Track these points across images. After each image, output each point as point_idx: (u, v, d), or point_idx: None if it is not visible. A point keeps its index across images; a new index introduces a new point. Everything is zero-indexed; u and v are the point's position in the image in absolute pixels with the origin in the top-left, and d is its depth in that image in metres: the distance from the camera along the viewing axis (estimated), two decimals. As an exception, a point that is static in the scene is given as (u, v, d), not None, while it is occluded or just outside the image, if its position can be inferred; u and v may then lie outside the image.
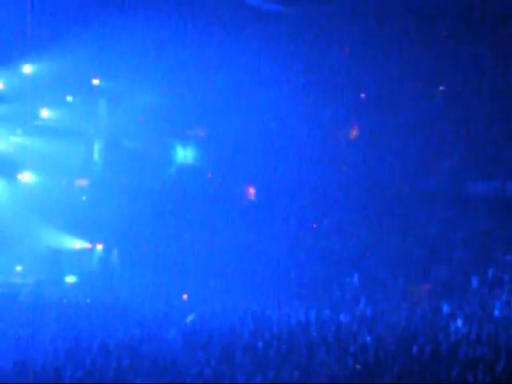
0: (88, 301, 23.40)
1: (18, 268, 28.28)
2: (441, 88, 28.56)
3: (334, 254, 26.66)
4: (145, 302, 22.67)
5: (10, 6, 24.32)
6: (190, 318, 20.43)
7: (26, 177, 29.98)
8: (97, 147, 30.80)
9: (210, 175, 30.09)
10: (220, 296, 23.33)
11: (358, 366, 15.08)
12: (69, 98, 29.84)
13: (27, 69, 28.32)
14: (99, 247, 29.71)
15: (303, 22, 27.58)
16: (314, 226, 29.00)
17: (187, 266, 26.45)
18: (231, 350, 16.58)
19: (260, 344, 17.02)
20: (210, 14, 26.76)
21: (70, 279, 27.76)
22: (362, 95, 29.21)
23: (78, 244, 29.81)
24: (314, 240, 27.90)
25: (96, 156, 30.76)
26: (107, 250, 29.60)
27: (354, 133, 29.80)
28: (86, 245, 29.92)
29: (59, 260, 28.34)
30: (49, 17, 25.50)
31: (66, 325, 18.99)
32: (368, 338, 17.08)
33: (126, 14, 25.97)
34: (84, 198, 30.17)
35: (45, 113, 29.82)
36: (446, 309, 19.76)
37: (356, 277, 24.45)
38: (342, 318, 19.80)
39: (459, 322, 18.24)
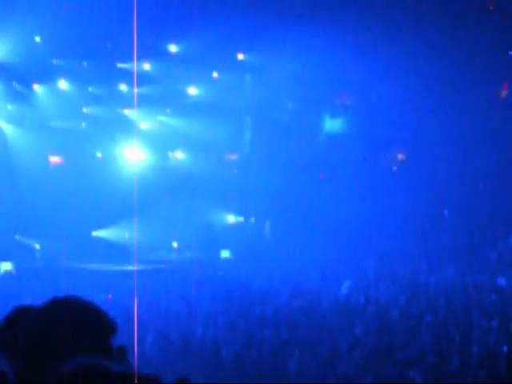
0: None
1: (175, 244, 28.92)
2: None
3: (488, 215, 25.69)
4: (299, 273, 22.54)
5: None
6: (345, 286, 20.17)
7: (177, 155, 30.64)
8: (245, 121, 30.95)
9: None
10: (375, 264, 22.95)
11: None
12: (215, 75, 30.10)
13: (173, 48, 28.81)
14: (251, 220, 29.95)
15: None
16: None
17: (337, 237, 26.15)
18: (386, 320, 16.22)
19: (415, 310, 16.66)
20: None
21: (225, 254, 28.09)
22: None
23: (231, 218, 30.15)
24: (467, 202, 26.96)
25: (245, 130, 30.93)
26: (259, 224, 29.77)
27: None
28: (239, 219, 30.23)
29: (213, 235, 28.71)
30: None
31: (223, 299, 19.08)
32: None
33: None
34: (235, 171, 30.44)
35: (192, 91, 30.30)
36: None
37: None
38: (501, 281, 19.05)
39: None
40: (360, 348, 14.28)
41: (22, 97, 27.15)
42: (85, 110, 29.31)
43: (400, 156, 30.51)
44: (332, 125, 30.58)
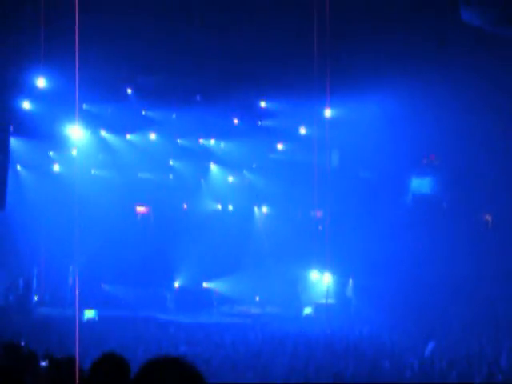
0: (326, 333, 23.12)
1: (257, 298, 28.81)
2: None
3: None
4: (384, 336, 22.04)
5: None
6: (429, 348, 19.61)
7: (263, 210, 30.75)
8: (330, 178, 30.82)
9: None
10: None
11: None
12: (302, 131, 30.20)
13: (262, 104, 29.04)
14: (334, 278, 29.63)
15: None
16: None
17: (429, 299, 25.63)
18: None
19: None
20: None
21: (307, 311, 27.79)
22: None
23: (315, 274, 29.90)
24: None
25: (330, 187, 30.77)
26: (343, 281, 29.41)
27: None
28: (322, 275, 29.93)
29: (297, 290, 28.50)
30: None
31: (301, 358, 18.72)
32: None
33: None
34: (320, 227, 30.27)
35: (279, 146, 30.50)
36: None
37: None
38: None
39: None
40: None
41: (112, 146, 27.74)
42: (171, 162, 29.91)
43: (487, 218, 29.83)
44: (419, 185, 30.17)
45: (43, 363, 6.54)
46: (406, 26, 25.11)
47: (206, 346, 19.06)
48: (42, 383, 4.62)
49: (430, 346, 19.70)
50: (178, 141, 29.52)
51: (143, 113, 27.78)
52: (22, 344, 9.10)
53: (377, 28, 24.53)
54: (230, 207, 30.15)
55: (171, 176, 29.90)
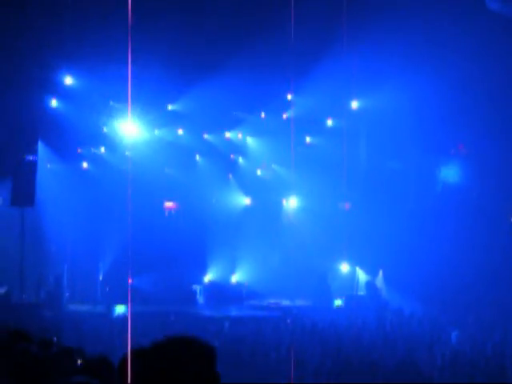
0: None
1: (287, 291, 28.80)
2: None
3: None
4: (414, 326, 21.97)
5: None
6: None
7: (291, 202, 30.75)
8: (358, 170, 30.75)
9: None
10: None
11: None
12: (329, 123, 30.18)
13: (289, 97, 29.02)
14: (364, 270, 29.56)
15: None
16: None
17: (460, 289, 25.52)
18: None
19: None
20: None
21: (338, 302, 27.77)
22: None
23: (344, 266, 29.86)
24: None
25: (358, 178, 30.69)
26: (372, 273, 29.35)
27: None
28: (350, 267, 29.88)
29: (327, 283, 28.48)
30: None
31: (332, 349, 18.70)
32: None
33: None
34: (347, 219, 30.22)
35: (307, 139, 30.53)
36: None
37: None
38: None
39: None
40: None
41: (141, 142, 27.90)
42: (197, 157, 30.10)
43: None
44: (448, 175, 29.96)
45: (78, 361, 6.62)
46: (432, 13, 25.01)
47: (235, 338, 19.12)
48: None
49: (454, 335, 19.66)
50: (205, 136, 29.65)
51: (169, 108, 27.96)
52: (54, 340, 9.18)
53: (403, 16, 24.46)
54: (258, 201, 30.16)
55: (198, 171, 30.02)
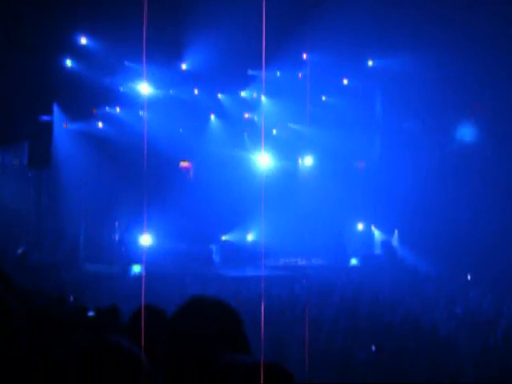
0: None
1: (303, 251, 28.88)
2: None
3: None
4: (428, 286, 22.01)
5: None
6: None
7: (307, 160, 30.72)
8: (374, 129, 30.63)
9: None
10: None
11: None
12: (345, 82, 29.97)
13: (304, 56, 28.84)
14: (380, 229, 29.59)
15: None
16: None
17: (467, 249, 25.50)
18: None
19: None
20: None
21: (354, 262, 27.83)
22: None
23: (361, 225, 29.89)
24: None
25: (374, 138, 30.59)
26: (388, 232, 29.36)
27: None
28: (366, 226, 29.91)
29: (343, 242, 28.53)
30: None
31: (348, 308, 18.78)
32: None
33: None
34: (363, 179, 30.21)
35: (323, 98, 30.37)
36: None
37: None
38: None
39: None
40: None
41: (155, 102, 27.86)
42: (212, 117, 30.09)
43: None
44: (464, 133, 29.76)
45: (90, 313, 6.67)
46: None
47: (251, 298, 19.20)
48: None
49: (471, 294, 19.69)
50: (219, 95, 29.54)
51: (183, 67, 27.88)
52: (71, 299, 9.26)
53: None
54: (274, 159, 30.07)
55: (213, 131, 29.97)
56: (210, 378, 2.66)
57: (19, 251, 24.34)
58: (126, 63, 26.87)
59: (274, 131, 30.56)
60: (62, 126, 27.57)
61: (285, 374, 2.64)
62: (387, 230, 29.37)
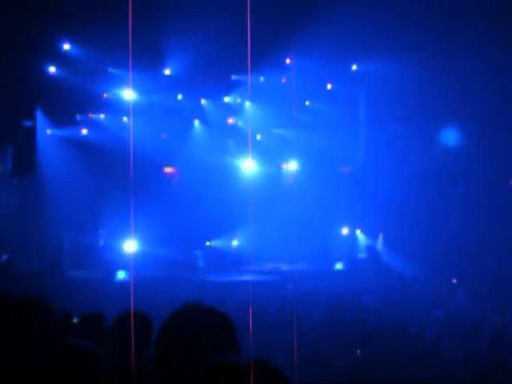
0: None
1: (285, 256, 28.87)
2: None
3: None
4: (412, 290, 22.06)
5: None
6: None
7: (291, 165, 30.72)
8: (359, 133, 30.70)
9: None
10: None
11: None
12: (329, 86, 29.99)
13: (287, 61, 28.85)
14: (364, 233, 29.63)
15: None
16: None
17: (454, 252, 25.58)
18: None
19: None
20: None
21: (338, 266, 27.82)
22: None
23: (345, 230, 29.91)
24: None
25: (358, 142, 30.65)
26: (372, 236, 29.40)
27: None
28: (351, 231, 29.94)
29: (327, 246, 28.54)
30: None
31: (332, 313, 18.77)
32: None
33: None
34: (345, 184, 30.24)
35: (307, 103, 30.37)
36: None
37: None
38: None
39: None
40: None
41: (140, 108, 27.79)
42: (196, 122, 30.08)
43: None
44: (448, 137, 29.87)
45: (75, 319, 6.65)
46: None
47: (238, 303, 19.15)
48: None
49: (456, 297, 19.74)
50: (202, 101, 29.53)
51: (167, 73, 27.84)
52: (56, 307, 9.17)
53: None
54: (258, 165, 30.06)
55: (196, 136, 29.98)
56: (200, 378, 2.65)
57: (3, 258, 24.18)
58: (110, 69, 26.82)
59: (258, 136, 30.55)
60: (45, 131, 27.46)
61: (273, 370, 2.75)
62: (372, 234, 29.42)
